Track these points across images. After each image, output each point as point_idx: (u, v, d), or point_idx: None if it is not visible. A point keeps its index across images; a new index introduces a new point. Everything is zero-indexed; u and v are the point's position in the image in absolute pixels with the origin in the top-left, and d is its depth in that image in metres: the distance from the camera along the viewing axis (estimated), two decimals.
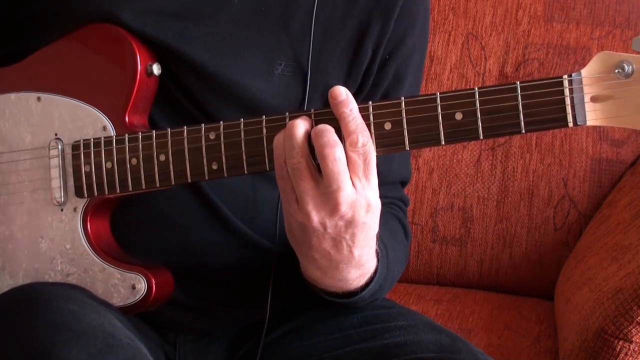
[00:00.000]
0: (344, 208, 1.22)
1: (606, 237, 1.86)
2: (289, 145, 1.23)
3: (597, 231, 1.93)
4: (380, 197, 1.44)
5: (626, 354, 1.60)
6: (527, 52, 2.07)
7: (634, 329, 1.59)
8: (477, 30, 2.09)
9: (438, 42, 2.10)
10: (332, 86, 1.41)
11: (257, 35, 1.39)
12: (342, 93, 1.24)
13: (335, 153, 1.21)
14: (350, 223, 1.24)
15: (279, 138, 1.24)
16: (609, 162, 2.03)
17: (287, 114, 1.27)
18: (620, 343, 1.60)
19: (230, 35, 1.38)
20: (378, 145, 1.25)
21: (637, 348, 1.60)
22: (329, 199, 1.22)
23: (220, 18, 1.38)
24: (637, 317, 1.59)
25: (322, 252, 1.27)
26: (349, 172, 1.22)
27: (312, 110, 1.25)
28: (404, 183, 1.57)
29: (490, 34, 2.09)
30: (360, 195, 1.23)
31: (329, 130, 1.22)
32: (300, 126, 1.23)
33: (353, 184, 1.22)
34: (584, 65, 2.03)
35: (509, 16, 2.08)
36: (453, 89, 2.08)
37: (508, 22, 2.08)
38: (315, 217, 1.23)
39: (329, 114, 1.25)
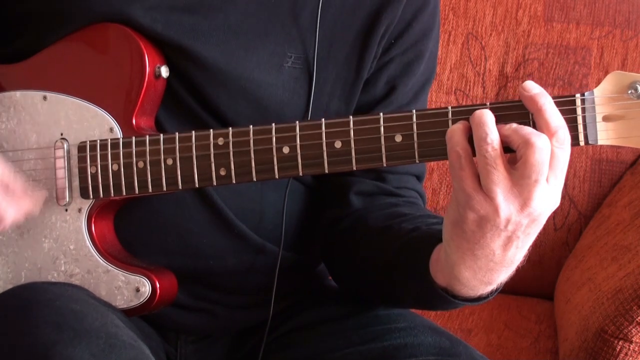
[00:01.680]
0: (535, 204, 1.14)
1: (606, 237, 1.86)
2: (481, 133, 1.15)
3: (597, 231, 1.93)
4: (399, 187, 1.40)
5: (626, 354, 1.61)
6: (527, 52, 2.07)
7: (634, 329, 1.60)
8: (477, 30, 2.09)
9: None
10: (343, 76, 1.41)
11: (267, 28, 1.38)
12: (536, 85, 1.17)
13: (543, 142, 1.13)
14: (532, 222, 1.16)
15: (455, 128, 1.17)
16: (609, 162, 2.03)
17: (297, 122, 1.25)
18: (620, 343, 1.61)
19: (241, 29, 1.37)
20: (388, 158, 1.22)
21: (637, 348, 1.60)
22: (521, 192, 1.14)
23: (230, 11, 1.37)
24: (637, 317, 1.59)
25: (487, 250, 1.19)
26: (549, 167, 1.14)
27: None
28: (419, 178, 1.51)
29: (490, 34, 2.08)
30: (554, 194, 1.16)
31: None
32: (491, 115, 1.16)
33: (548, 180, 1.14)
34: (584, 65, 2.06)
35: (509, 16, 2.08)
36: (453, 89, 2.08)
37: (508, 22, 2.08)
38: (504, 211, 1.15)
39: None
